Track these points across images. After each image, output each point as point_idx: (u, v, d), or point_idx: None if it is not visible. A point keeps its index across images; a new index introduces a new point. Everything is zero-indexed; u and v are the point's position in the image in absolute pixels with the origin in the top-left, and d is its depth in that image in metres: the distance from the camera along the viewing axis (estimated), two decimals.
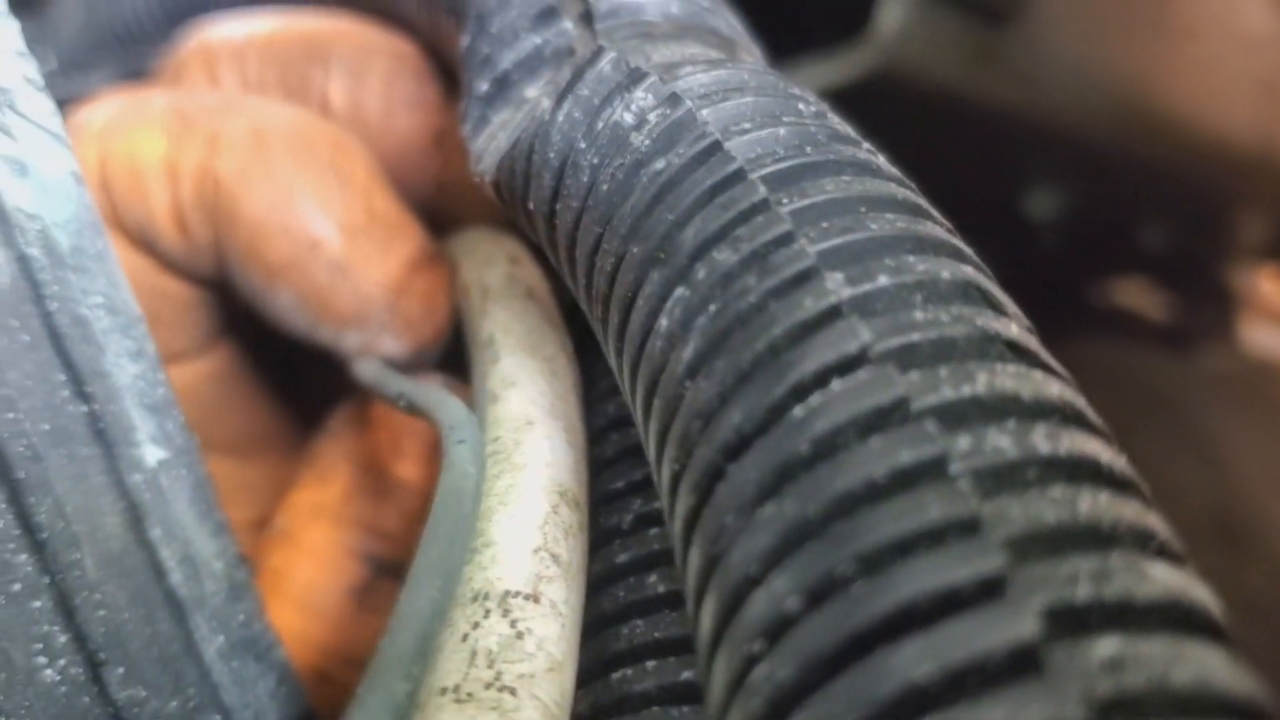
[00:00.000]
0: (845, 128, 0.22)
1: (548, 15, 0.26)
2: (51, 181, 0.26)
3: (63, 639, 0.24)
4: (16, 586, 0.24)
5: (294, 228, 0.29)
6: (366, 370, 0.30)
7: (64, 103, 0.28)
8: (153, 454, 0.26)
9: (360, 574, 0.30)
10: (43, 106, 0.26)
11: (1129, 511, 0.16)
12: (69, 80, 0.37)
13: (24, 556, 0.24)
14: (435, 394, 0.27)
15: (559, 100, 0.23)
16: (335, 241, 0.29)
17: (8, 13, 0.26)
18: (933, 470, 0.15)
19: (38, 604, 0.24)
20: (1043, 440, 0.16)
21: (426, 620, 0.20)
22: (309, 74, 0.34)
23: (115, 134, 0.30)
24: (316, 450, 0.33)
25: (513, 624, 0.21)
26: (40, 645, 0.24)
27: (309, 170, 0.29)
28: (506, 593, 0.22)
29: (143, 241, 0.30)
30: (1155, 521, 0.16)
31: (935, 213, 0.21)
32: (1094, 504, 0.15)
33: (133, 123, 0.31)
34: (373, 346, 0.30)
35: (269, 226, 0.29)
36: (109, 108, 0.31)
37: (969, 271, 0.19)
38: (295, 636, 0.29)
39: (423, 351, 0.31)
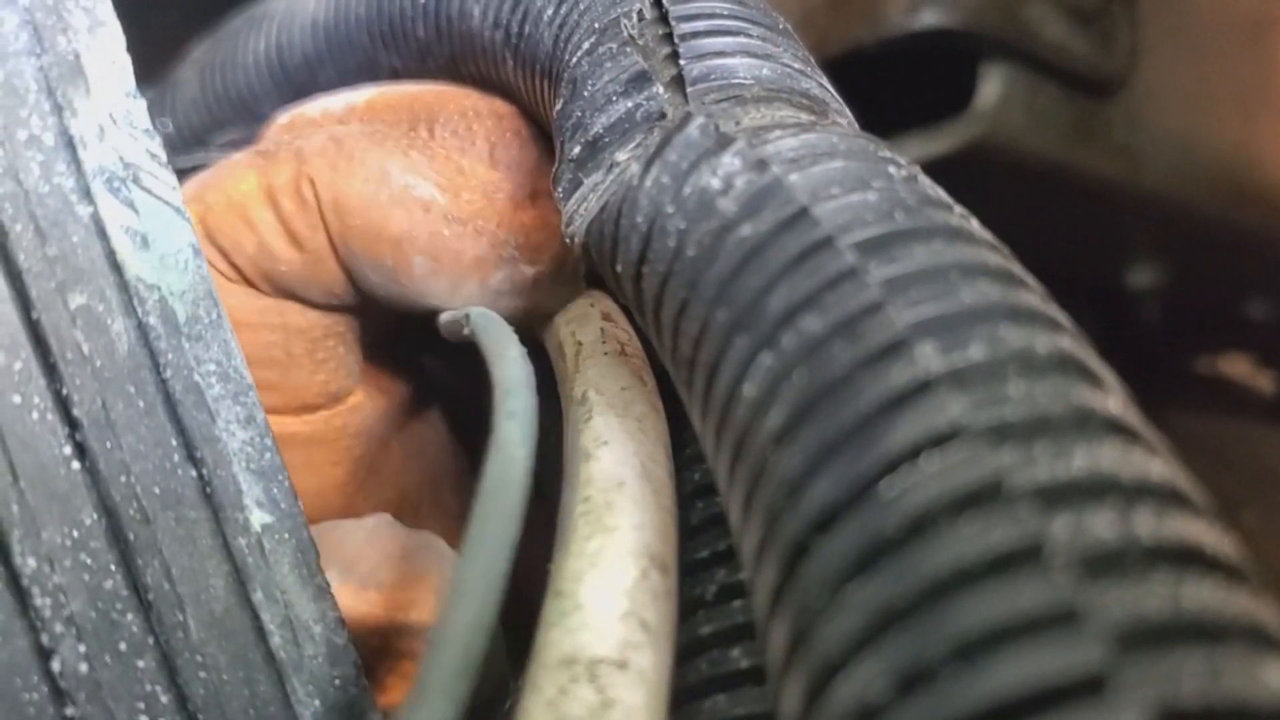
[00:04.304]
0: (937, 192, 0.20)
1: (640, 80, 0.25)
2: (171, 253, 0.25)
3: (165, 699, 0.23)
4: (123, 646, 0.23)
5: (403, 197, 0.29)
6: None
7: (180, 174, 0.28)
8: (258, 518, 0.25)
9: None
10: (165, 181, 0.26)
11: (1237, 601, 0.14)
12: (188, 154, 0.37)
13: (131, 616, 0.23)
14: (504, 341, 0.25)
15: (647, 165, 0.22)
16: (441, 199, 0.29)
17: (135, 91, 0.25)
18: (1027, 555, 0.14)
19: (142, 663, 0.23)
20: (1144, 524, 0.14)
21: (472, 636, 0.19)
22: (415, 136, 0.33)
23: (208, 189, 0.31)
24: None
25: (600, 691, 0.20)
26: (143, 704, 0.23)
27: (392, 152, 0.30)
28: (594, 659, 0.20)
29: (261, 276, 0.30)
30: (1267, 613, 0.14)
31: (1030, 280, 0.19)
32: (1199, 594, 0.14)
33: (221, 175, 0.31)
34: (518, 280, 0.30)
35: (380, 203, 0.29)
36: (199, 177, 0.32)
37: (1065, 343, 0.17)
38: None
39: (563, 269, 0.30)
